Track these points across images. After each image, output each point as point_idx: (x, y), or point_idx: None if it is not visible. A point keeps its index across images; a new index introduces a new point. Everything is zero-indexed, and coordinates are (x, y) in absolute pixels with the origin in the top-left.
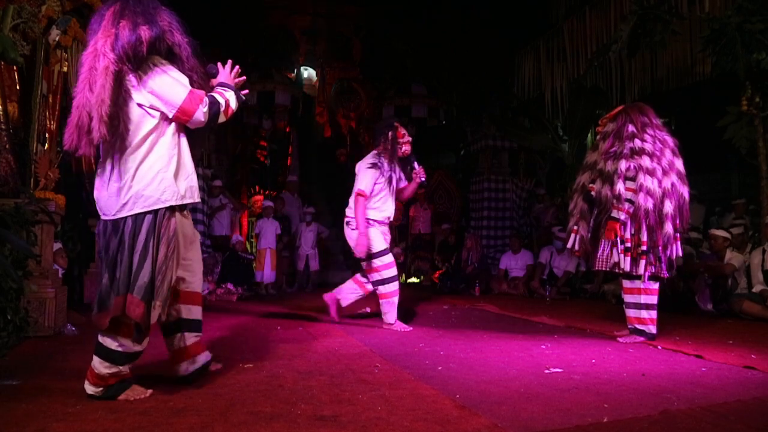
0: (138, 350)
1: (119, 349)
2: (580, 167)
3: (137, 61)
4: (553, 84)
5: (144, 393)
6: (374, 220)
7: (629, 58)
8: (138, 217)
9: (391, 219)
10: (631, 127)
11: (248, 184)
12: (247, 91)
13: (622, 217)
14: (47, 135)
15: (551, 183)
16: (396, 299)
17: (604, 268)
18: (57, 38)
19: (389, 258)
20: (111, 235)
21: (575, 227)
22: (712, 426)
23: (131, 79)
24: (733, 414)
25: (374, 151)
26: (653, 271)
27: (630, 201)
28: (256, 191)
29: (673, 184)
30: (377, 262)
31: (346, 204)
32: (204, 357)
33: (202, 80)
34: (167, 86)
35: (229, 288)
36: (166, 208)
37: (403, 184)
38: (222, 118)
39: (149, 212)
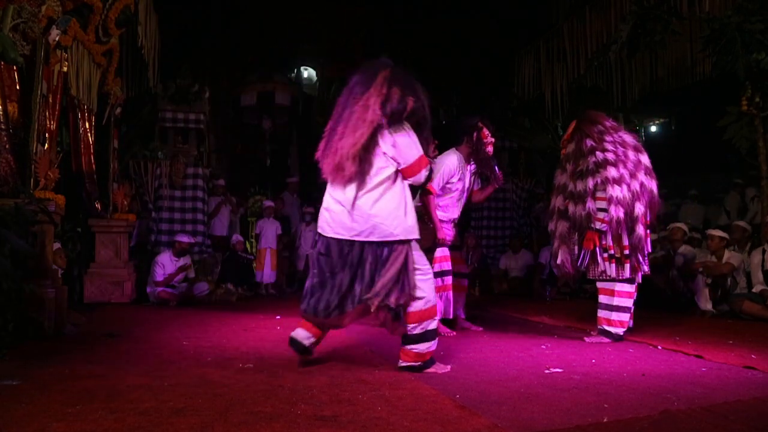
0: (435, 327)
1: (422, 331)
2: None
3: (396, 121)
4: (553, 84)
5: (444, 368)
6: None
7: (629, 58)
8: (375, 245)
9: (456, 221)
10: (589, 142)
11: (248, 184)
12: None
13: (599, 226)
14: (47, 135)
15: (551, 183)
16: (444, 294)
17: (592, 277)
18: (57, 38)
19: (440, 252)
20: (341, 254)
21: (558, 251)
22: (712, 426)
23: (384, 132)
24: (733, 414)
25: (453, 149)
26: (645, 271)
27: (603, 209)
28: (256, 191)
29: (642, 184)
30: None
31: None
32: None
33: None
34: (407, 146)
35: (229, 288)
36: (397, 241)
37: (477, 186)
38: (426, 184)
39: (383, 242)
